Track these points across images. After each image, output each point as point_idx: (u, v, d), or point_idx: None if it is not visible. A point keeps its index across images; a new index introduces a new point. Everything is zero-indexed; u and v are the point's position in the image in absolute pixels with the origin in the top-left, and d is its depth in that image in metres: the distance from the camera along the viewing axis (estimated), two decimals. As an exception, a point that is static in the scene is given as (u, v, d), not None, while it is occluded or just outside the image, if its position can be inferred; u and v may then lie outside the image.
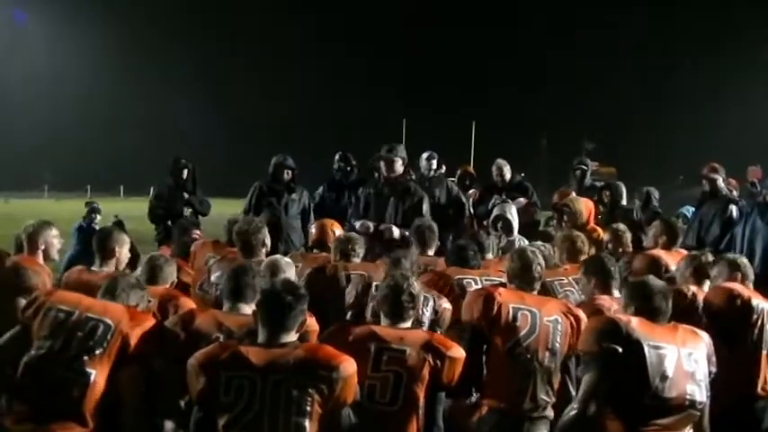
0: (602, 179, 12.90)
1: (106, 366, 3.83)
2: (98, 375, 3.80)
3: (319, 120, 43.78)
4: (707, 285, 5.21)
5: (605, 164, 32.03)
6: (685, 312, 4.38)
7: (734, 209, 8.06)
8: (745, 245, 7.38)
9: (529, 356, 4.31)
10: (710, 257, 5.40)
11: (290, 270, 5.14)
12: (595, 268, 4.98)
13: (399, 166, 7.79)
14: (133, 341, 3.88)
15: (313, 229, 6.95)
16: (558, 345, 4.37)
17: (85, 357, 3.81)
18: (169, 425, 4.03)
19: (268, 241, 6.00)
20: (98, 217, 11.63)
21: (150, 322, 4.06)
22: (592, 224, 7.72)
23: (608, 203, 8.79)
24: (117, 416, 3.84)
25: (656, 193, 8.88)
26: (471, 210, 9.39)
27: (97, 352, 3.83)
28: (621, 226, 6.93)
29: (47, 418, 3.76)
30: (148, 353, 3.93)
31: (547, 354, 4.35)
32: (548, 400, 4.38)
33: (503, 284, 4.78)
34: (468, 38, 47.12)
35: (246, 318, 4.02)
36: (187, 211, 9.28)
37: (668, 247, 6.47)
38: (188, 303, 4.78)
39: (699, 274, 5.26)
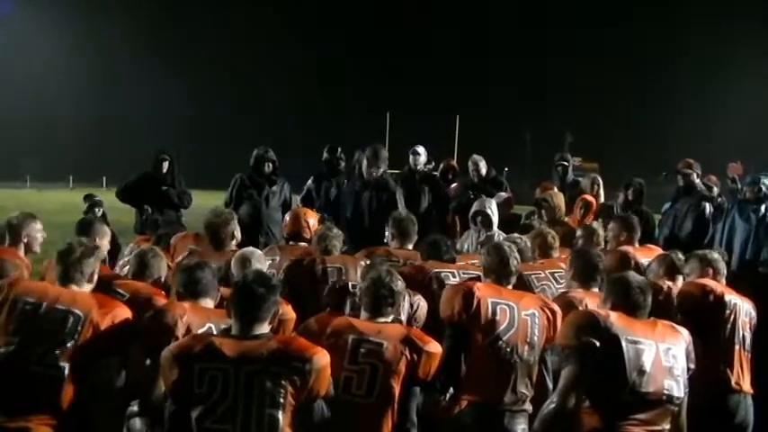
0: (585, 174, 12.96)
1: (79, 358, 3.76)
2: (71, 368, 3.74)
3: (304, 114, 43.74)
4: (680, 281, 5.27)
5: (588, 159, 32.13)
6: (660, 307, 4.38)
7: (707, 206, 8.10)
8: (724, 241, 7.44)
9: (509, 350, 4.33)
10: (681, 255, 5.45)
11: (261, 262, 5.12)
12: (578, 260, 5.00)
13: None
14: (105, 331, 3.82)
15: (287, 218, 6.92)
16: (536, 338, 4.40)
17: (57, 351, 3.74)
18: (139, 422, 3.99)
19: (238, 233, 6.01)
20: (100, 210, 11.28)
21: (122, 310, 3.98)
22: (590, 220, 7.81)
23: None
24: (88, 407, 3.78)
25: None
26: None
27: (69, 344, 3.75)
28: (595, 223, 6.96)
29: (23, 412, 3.68)
30: (121, 342, 3.87)
31: (526, 347, 4.37)
32: (527, 393, 4.40)
33: (479, 278, 4.78)
34: (451, 33, 47.20)
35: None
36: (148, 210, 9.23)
37: (630, 242, 6.52)
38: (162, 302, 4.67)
39: (671, 272, 5.31)
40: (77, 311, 3.83)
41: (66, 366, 3.73)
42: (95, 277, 4.16)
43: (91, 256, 4.12)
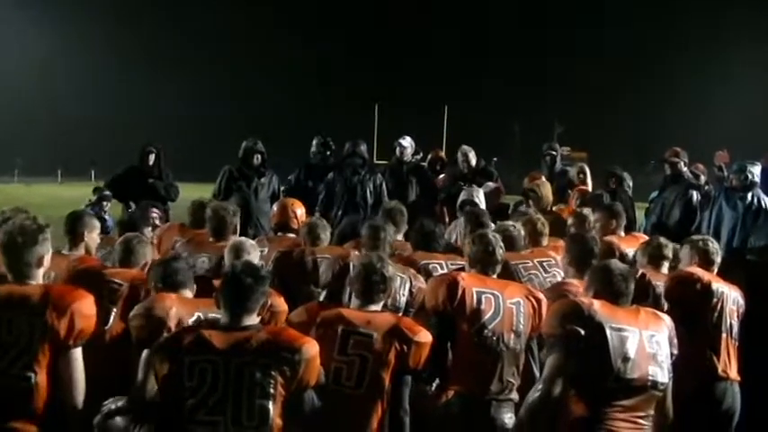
0: (573, 164, 13.02)
1: (44, 364, 3.58)
2: (40, 375, 3.57)
3: (293, 105, 43.63)
4: (665, 267, 5.32)
5: (577, 148, 32.13)
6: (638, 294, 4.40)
7: (694, 193, 8.18)
8: (711, 229, 7.51)
9: (495, 339, 4.35)
10: (662, 240, 5.53)
11: (254, 252, 5.11)
12: (574, 245, 5.03)
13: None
14: (63, 329, 3.59)
15: (275, 208, 6.92)
16: (521, 326, 4.43)
17: (20, 362, 3.54)
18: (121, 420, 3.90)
19: (238, 229, 6.01)
20: (108, 205, 11.11)
21: (80, 303, 3.68)
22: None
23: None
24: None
25: (628, 180, 8.99)
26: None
27: (30, 354, 3.55)
28: (586, 210, 6.98)
29: (3, 419, 3.55)
30: (83, 337, 3.68)
31: (512, 336, 4.40)
32: (513, 382, 4.43)
33: (464, 269, 4.81)
34: (439, 23, 47.18)
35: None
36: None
37: (617, 229, 6.57)
38: None
39: (655, 258, 5.38)
40: (32, 316, 3.58)
41: (33, 375, 3.55)
42: (46, 260, 3.82)
43: (35, 243, 3.73)
